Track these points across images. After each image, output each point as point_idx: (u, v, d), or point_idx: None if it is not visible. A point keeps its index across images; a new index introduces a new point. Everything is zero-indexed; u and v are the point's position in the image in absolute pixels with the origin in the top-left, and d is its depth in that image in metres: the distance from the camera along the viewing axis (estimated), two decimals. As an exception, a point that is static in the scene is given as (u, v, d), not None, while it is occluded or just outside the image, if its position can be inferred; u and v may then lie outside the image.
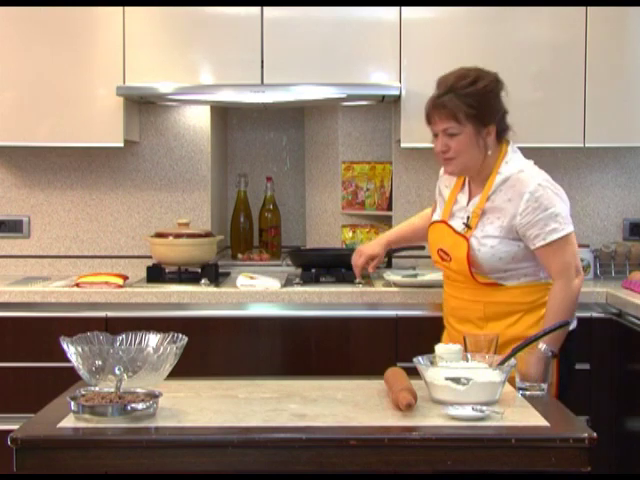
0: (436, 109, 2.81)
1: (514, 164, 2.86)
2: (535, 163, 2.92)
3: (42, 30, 3.73)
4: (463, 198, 2.93)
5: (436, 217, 3.02)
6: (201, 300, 3.47)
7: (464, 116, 2.78)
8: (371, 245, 3.32)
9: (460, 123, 2.79)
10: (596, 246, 3.98)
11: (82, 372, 2.22)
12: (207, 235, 3.77)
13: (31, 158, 4.07)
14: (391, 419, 2.13)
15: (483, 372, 2.22)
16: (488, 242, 2.81)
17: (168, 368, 2.25)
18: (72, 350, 2.20)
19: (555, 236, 2.77)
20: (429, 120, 2.85)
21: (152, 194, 4.09)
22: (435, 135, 2.86)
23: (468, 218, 2.86)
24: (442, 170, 3.06)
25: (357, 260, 3.29)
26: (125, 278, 3.63)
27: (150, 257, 3.81)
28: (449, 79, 2.82)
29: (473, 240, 2.82)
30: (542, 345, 2.57)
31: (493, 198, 2.83)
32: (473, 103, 2.78)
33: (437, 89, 2.84)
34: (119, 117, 3.73)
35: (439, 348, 2.41)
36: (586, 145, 3.74)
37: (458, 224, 2.89)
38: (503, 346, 2.65)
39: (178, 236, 3.70)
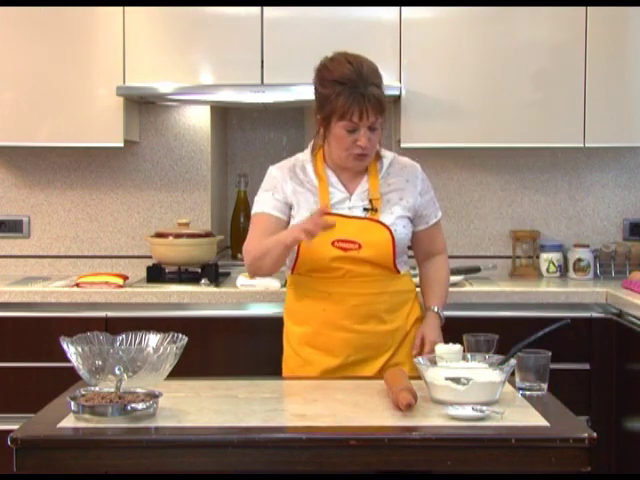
0: (370, 104, 2.61)
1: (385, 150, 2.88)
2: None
3: (42, 30, 3.73)
4: (339, 192, 2.78)
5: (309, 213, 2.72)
6: (201, 300, 3.47)
7: (385, 109, 2.70)
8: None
9: (383, 116, 2.69)
10: (596, 246, 3.98)
11: (82, 372, 2.22)
12: (207, 235, 3.77)
13: (31, 158, 4.07)
14: (391, 419, 2.13)
15: (483, 372, 2.22)
16: (400, 222, 2.77)
17: (168, 368, 2.25)
18: (72, 350, 2.20)
19: (440, 213, 2.92)
20: (357, 116, 2.61)
21: (152, 194, 4.09)
22: (350, 131, 2.64)
23: (371, 202, 2.75)
24: (277, 173, 2.82)
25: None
26: (125, 278, 3.63)
27: (150, 257, 3.81)
28: (363, 70, 2.65)
29: (387, 222, 2.75)
30: (435, 307, 2.83)
31: (387, 182, 2.80)
32: (384, 95, 2.72)
33: (354, 82, 2.62)
34: (119, 117, 3.73)
35: (439, 348, 2.42)
36: (586, 145, 3.73)
37: (356, 212, 2.76)
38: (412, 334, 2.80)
39: (178, 236, 3.70)
